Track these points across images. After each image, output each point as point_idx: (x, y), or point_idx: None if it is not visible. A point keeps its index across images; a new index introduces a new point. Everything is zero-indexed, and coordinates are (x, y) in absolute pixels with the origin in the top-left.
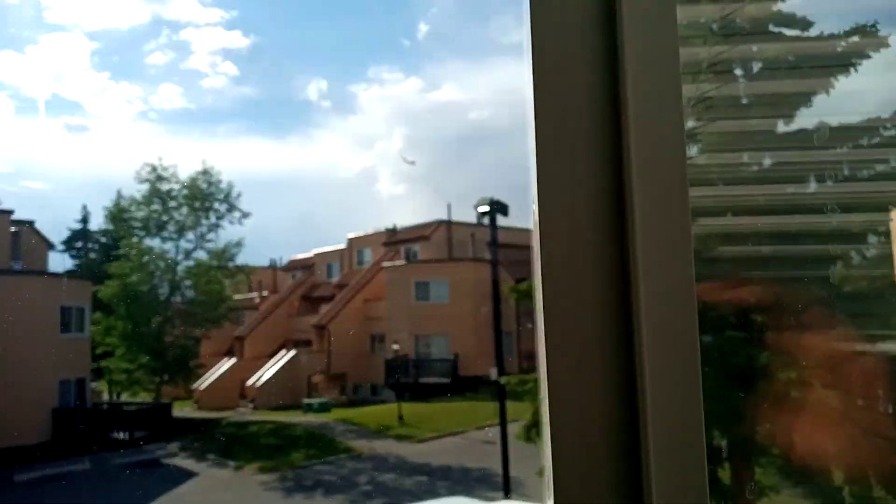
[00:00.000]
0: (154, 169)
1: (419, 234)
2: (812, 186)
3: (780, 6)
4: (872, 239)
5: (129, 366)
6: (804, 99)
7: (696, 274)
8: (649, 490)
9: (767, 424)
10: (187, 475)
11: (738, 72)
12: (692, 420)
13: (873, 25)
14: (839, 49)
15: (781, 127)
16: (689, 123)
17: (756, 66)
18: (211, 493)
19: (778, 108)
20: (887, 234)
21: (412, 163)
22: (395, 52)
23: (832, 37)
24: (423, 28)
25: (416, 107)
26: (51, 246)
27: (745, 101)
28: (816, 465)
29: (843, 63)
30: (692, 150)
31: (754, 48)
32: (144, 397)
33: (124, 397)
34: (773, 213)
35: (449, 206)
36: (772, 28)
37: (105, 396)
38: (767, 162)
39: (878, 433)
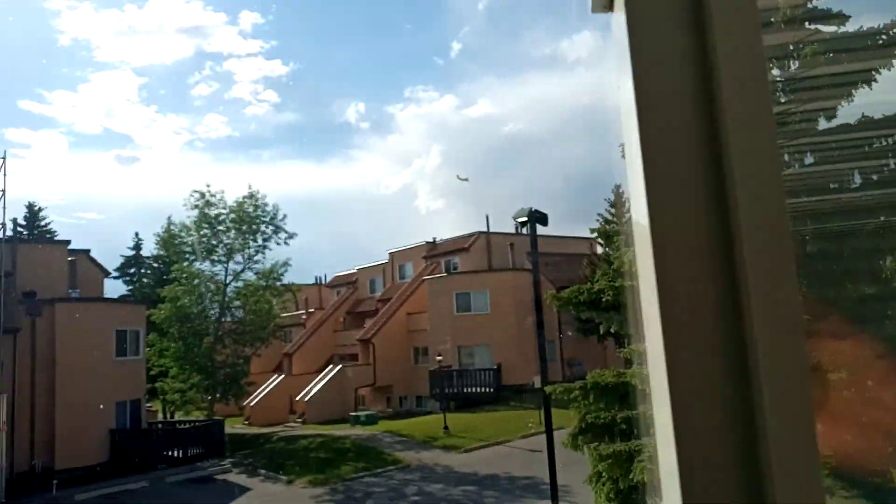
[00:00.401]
0: (202, 195)
1: (458, 246)
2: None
3: (816, 2)
4: None
5: (182, 385)
6: (844, 94)
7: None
8: (770, 489)
9: (819, 426)
10: (241, 490)
11: (775, 71)
12: (804, 418)
13: None
14: (881, 41)
15: (823, 123)
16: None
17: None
18: None
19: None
20: None
21: (465, 180)
22: (429, 71)
23: (872, 31)
24: (455, 46)
25: (452, 123)
26: (106, 273)
27: (783, 98)
28: (867, 465)
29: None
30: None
31: (790, 45)
32: (197, 415)
33: (178, 416)
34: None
35: (487, 218)
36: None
37: (160, 416)
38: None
39: None
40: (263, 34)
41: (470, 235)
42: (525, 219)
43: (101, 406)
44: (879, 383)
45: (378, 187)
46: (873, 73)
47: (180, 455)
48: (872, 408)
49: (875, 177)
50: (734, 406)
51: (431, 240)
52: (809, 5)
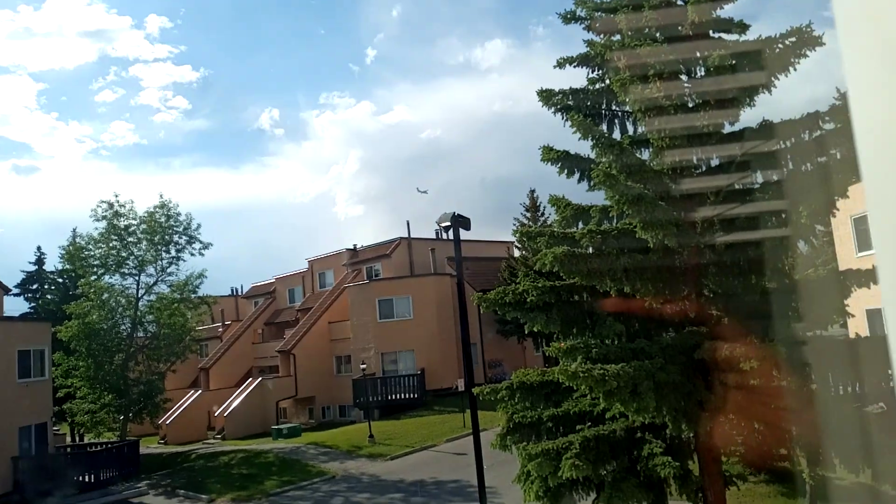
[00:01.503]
0: (110, 205)
1: (380, 252)
2: (759, 178)
3: (720, 12)
4: (819, 228)
5: (93, 406)
6: (746, 98)
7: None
8: None
9: (731, 416)
10: None
11: (683, 77)
12: None
13: (808, 26)
14: (778, 49)
15: (727, 126)
16: (640, 129)
17: (700, 70)
18: None
19: (723, 108)
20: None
21: (425, 192)
22: (345, 77)
23: (771, 39)
24: (371, 53)
25: (370, 129)
26: (6, 290)
27: (691, 104)
28: (774, 451)
29: (783, 63)
30: (644, 154)
31: (697, 53)
32: (109, 437)
33: (88, 438)
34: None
35: (408, 223)
36: (712, 34)
37: (68, 439)
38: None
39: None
40: (172, 39)
41: (391, 241)
42: (448, 223)
43: (2, 433)
44: (783, 372)
45: (295, 194)
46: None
47: (92, 479)
48: (778, 399)
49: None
50: None
51: (352, 246)
52: (714, 14)
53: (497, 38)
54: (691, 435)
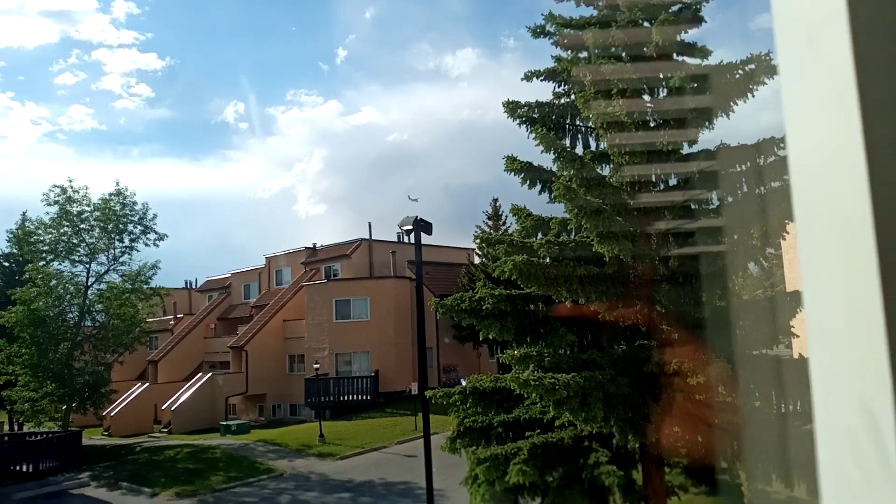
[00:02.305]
0: (63, 190)
1: (340, 252)
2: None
3: (683, 36)
4: (770, 251)
5: (34, 394)
6: (705, 120)
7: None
8: None
9: (676, 428)
10: None
11: (646, 97)
12: None
13: (768, 54)
14: (738, 75)
15: (686, 147)
16: (602, 145)
17: (662, 91)
18: None
19: (682, 128)
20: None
21: (416, 200)
22: (314, 75)
23: (731, 65)
24: (341, 53)
25: (336, 129)
26: None
27: (652, 123)
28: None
29: (741, 88)
30: (605, 170)
31: (660, 74)
32: (51, 426)
33: (28, 427)
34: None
35: (370, 225)
36: (675, 56)
37: (6, 428)
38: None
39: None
40: (138, 25)
41: (351, 242)
42: (410, 227)
43: None
44: (728, 389)
45: (256, 190)
46: (731, 104)
47: (30, 469)
48: (722, 414)
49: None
50: None
51: (311, 245)
52: (678, 38)
53: (468, 46)
54: (637, 445)
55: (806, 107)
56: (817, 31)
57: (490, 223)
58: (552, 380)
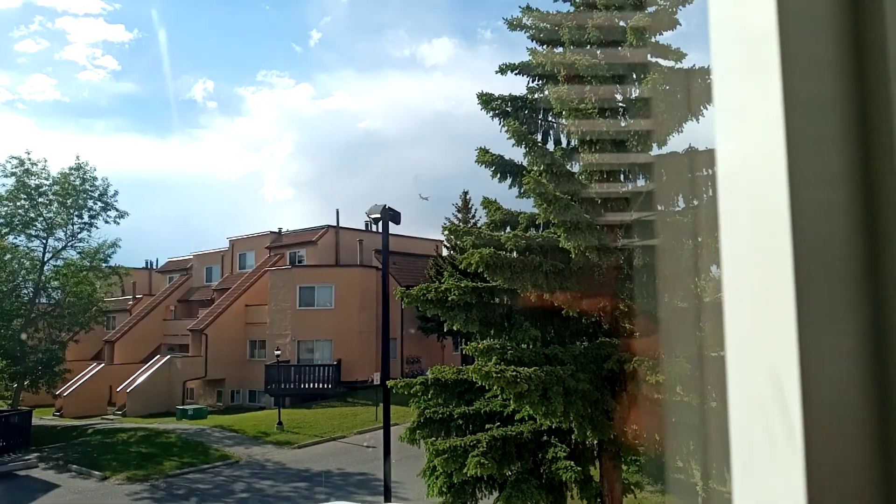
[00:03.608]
0: (21, 162)
1: (306, 238)
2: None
3: (659, 38)
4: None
5: None
6: (675, 123)
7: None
8: None
9: (634, 426)
10: (47, 487)
11: (618, 96)
12: None
13: None
14: (709, 80)
15: (655, 150)
16: (573, 142)
17: (635, 91)
18: None
19: (652, 129)
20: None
21: (426, 199)
22: (286, 56)
23: (703, 69)
24: (315, 35)
25: (307, 113)
26: None
27: (623, 122)
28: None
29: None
30: (574, 167)
31: (633, 74)
32: (0, 405)
33: None
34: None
35: (337, 212)
36: (650, 57)
37: None
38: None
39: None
40: None
41: (318, 228)
42: (378, 216)
43: None
44: (686, 389)
45: (222, 171)
46: (701, 107)
47: None
48: (679, 414)
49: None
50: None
51: (277, 230)
52: (652, 39)
53: (445, 36)
54: (595, 442)
55: (734, 112)
56: (749, 44)
57: (459, 215)
58: (514, 373)
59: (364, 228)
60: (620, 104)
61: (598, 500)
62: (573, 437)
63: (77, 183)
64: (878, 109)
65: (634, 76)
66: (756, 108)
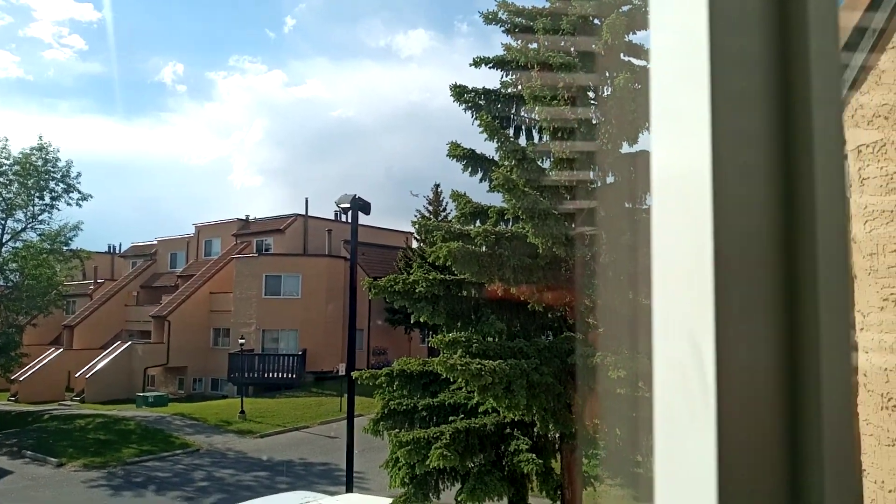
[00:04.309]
0: None
1: (273, 226)
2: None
3: (632, 37)
4: None
5: None
6: (646, 122)
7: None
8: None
9: (596, 420)
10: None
11: (591, 94)
12: (846, 420)
13: None
14: None
15: (626, 147)
16: (545, 138)
17: (607, 89)
18: (26, 492)
19: (623, 128)
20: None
21: (417, 196)
22: (258, 42)
23: None
24: (290, 22)
25: (279, 100)
26: None
27: (595, 120)
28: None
29: None
30: (545, 163)
31: (606, 73)
32: None
33: None
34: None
35: (306, 201)
36: (623, 56)
37: None
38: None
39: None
40: None
41: (286, 217)
42: (348, 205)
43: None
44: (648, 385)
45: (190, 156)
46: None
47: None
48: (639, 409)
49: None
50: (783, 408)
51: (244, 217)
52: (626, 39)
53: (421, 27)
54: (557, 435)
55: (667, 110)
56: (682, 43)
57: (430, 208)
58: (479, 365)
59: (333, 218)
60: (592, 101)
61: (559, 492)
62: (535, 429)
63: (39, 164)
64: (799, 103)
65: (608, 74)
66: (686, 104)
